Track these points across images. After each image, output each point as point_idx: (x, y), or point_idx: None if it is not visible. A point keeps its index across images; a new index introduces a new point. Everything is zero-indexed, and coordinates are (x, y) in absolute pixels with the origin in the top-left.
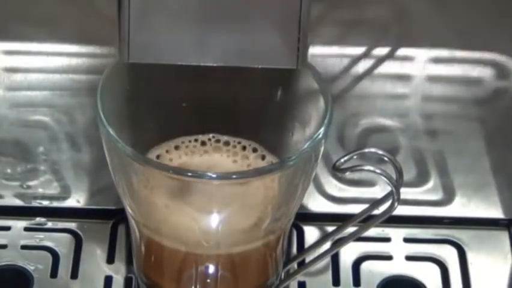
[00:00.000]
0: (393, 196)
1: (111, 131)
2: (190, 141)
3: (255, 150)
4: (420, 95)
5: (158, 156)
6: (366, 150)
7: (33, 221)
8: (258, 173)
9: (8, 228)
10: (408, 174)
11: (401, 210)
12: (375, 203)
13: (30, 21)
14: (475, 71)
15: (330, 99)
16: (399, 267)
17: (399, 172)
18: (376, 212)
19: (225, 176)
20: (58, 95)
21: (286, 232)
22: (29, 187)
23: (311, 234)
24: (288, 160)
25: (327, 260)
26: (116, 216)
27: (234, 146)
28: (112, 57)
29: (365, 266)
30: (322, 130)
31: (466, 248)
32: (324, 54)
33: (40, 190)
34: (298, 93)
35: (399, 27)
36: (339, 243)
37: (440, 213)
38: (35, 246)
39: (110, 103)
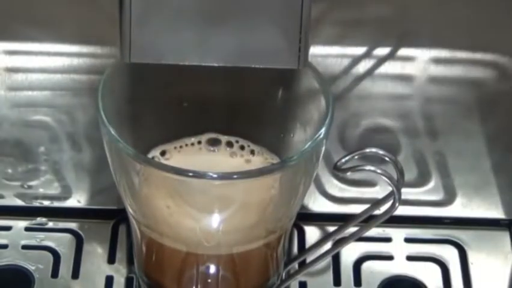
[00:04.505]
0: (394, 196)
1: (112, 131)
2: (191, 141)
3: (255, 150)
4: (421, 95)
5: (159, 156)
6: (367, 150)
7: (34, 221)
8: (259, 173)
9: (8, 228)
10: (409, 174)
11: (402, 211)
12: (376, 203)
13: (31, 21)
14: (476, 72)
15: (331, 99)
16: (400, 267)
17: (400, 172)
18: (377, 212)
19: (226, 176)
20: (59, 95)
21: (287, 232)
22: (30, 187)
23: (312, 234)
24: (289, 160)
25: (328, 260)
26: (117, 216)
27: (235, 146)
28: (113, 57)
29: (366, 266)
30: (323, 130)
31: (466, 248)
32: (325, 54)
33: (41, 190)
34: (300, 93)
35: (400, 27)
36: (340, 243)
37: (441, 213)
38: (36, 246)
39: (111, 103)
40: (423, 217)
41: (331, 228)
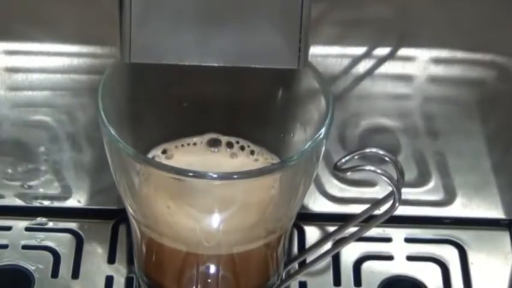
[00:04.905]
0: (394, 196)
1: (112, 131)
2: (191, 141)
3: (256, 150)
4: (421, 95)
5: (159, 156)
6: (368, 150)
7: (34, 221)
8: (259, 173)
9: (9, 228)
10: (409, 174)
11: (402, 211)
12: (376, 203)
13: (31, 21)
14: (476, 72)
15: (331, 99)
16: (400, 267)
17: (401, 172)
18: (377, 212)
19: (226, 176)
20: (59, 95)
21: (287, 232)
22: (30, 187)
23: (312, 234)
24: (289, 160)
25: (328, 260)
26: (117, 216)
27: (236, 147)
28: (113, 57)
29: (366, 266)
30: (323, 130)
31: (466, 248)
32: (325, 54)
33: (41, 190)
34: (300, 94)
35: (400, 27)
36: (340, 243)
37: (441, 213)
38: (36, 246)
39: (111, 103)
40: (423, 217)
41: (331, 228)
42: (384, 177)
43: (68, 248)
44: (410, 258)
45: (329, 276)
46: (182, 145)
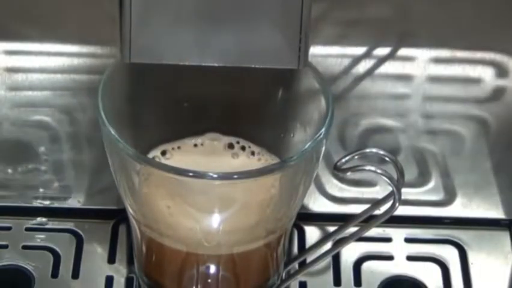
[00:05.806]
0: (394, 196)
1: (112, 131)
2: (191, 141)
3: (255, 150)
4: (421, 95)
5: (159, 156)
6: (368, 150)
7: (34, 221)
8: (259, 173)
9: (9, 228)
10: (409, 174)
11: (402, 211)
12: (376, 203)
13: (31, 21)
14: (476, 71)
15: (331, 99)
16: (400, 267)
17: (401, 172)
18: (377, 212)
19: (226, 176)
20: (59, 95)
21: (287, 232)
22: (30, 187)
23: (312, 234)
24: (289, 160)
25: (328, 260)
26: (117, 216)
27: (236, 147)
28: (113, 57)
29: (366, 266)
30: (323, 130)
31: (466, 248)
32: (325, 54)
33: (41, 190)
34: (300, 94)
35: (400, 27)
36: (340, 243)
37: (441, 214)
38: (36, 246)
39: (112, 103)
40: (423, 217)
41: (331, 228)
42: (384, 177)
43: (68, 248)
44: (410, 258)
45: (329, 276)
46: (179, 147)
